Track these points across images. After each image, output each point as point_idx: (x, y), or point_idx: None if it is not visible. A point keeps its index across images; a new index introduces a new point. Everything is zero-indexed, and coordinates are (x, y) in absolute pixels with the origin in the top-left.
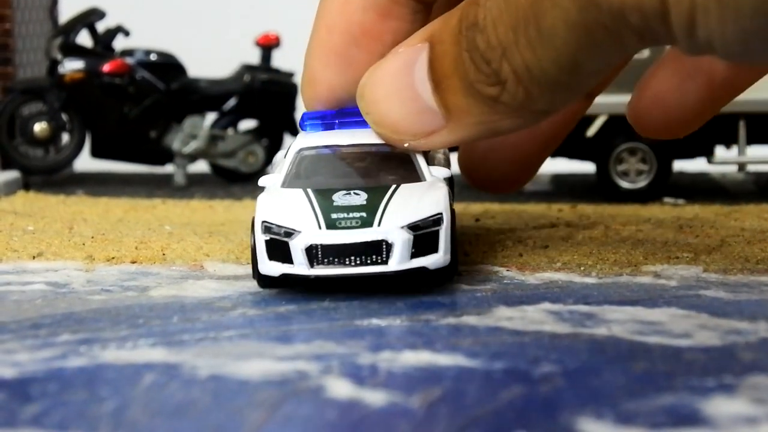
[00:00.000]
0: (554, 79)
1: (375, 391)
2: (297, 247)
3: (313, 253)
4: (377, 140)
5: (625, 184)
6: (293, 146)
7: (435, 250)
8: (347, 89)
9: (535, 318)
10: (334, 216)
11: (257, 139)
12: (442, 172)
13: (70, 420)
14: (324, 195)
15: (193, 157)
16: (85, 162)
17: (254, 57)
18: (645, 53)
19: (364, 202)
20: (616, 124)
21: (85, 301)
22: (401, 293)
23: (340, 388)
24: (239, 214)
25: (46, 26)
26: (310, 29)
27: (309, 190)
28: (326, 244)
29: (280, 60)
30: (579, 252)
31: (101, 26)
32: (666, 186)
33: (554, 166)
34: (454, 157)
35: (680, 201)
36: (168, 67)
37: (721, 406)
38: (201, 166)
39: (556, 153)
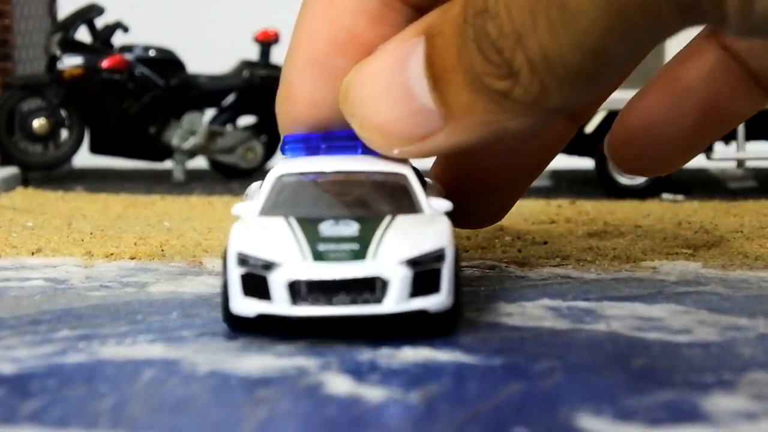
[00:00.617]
0: (576, 68)
1: (374, 387)
2: (277, 281)
3: (296, 290)
4: (369, 167)
5: (623, 180)
6: (272, 173)
7: (436, 290)
8: (330, 105)
9: (535, 314)
10: (321, 247)
11: (256, 135)
12: (442, 204)
13: (69, 416)
14: (309, 224)
15: (192, 153)
16: (84, 158)
17: (253, 53)
18: None
19: (356, 233)
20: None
21: (84, 297)
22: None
23: (339, 385)
24: None
25: (45, 22)
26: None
27: (291, 219)
28: (312, 280)
29: (279, 56)
30: (578, 248)
31: (100, 22)
32: (665, 182)
33: (553, 162)
34: None
35: (679, 197)
36: (167, 63)
37: (720, 402)
38: (200, 162)
39: None
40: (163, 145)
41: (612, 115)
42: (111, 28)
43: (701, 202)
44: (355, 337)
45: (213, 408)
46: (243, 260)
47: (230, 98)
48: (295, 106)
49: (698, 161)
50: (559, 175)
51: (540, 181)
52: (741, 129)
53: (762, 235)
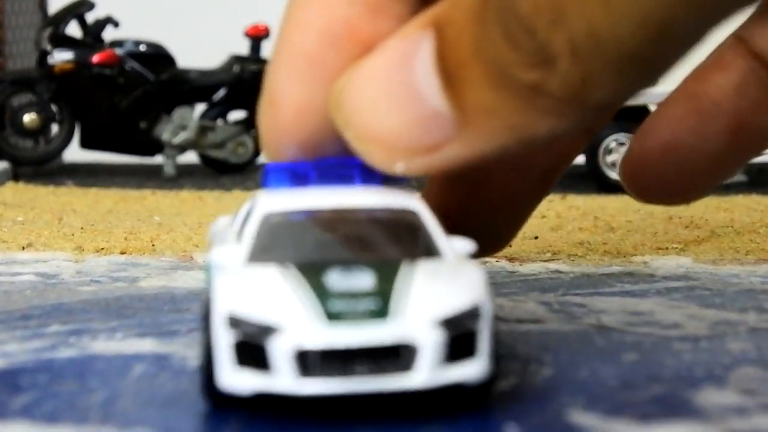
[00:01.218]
0: (631, 49)
1: None
2: (281, 350)
3: (306, 360)
4: (373, 201)
5: (614, 175)
6: (255, 210)
7: (472, 355)
8: (321, 112)
9: (525, 309)
10: (333, 305)
11: (247, 130)
12: (464, 245)
13: (60, 411)
14: (313, 274)
15: (182, 148)
16: (75, 153)
17: (244, 48)
18: None
19: (373, 286)
20: None
21: (75, 292)
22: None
23: None
24: (229, 206)
25: (35, 17)
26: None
27: (290, 267)
28: (327, 348)
29: (269, 51)
30: (569, 242)
31: (91, 17)
32: None
33: None
34: None
35: None
36: (157, 57)
37: (710, 397)
38: (190, 157)
39: None
40: (153, 140)
41: None
42: (101, 23)
43: None
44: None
45: (203, 402)
46: (235, 323)
47: (221, 93)
48: (280, 113)
49: None
50: None
51: None
52: None
53: (752, 230)
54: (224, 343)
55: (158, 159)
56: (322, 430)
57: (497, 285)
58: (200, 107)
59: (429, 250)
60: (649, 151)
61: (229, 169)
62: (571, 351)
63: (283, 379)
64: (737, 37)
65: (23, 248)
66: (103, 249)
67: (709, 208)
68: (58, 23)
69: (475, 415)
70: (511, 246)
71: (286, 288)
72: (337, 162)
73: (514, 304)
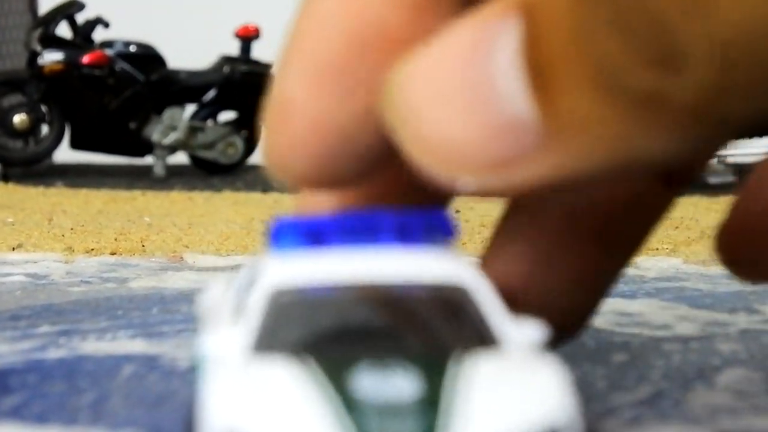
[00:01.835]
0: None
1: None
2: None
3: None
4: (413, 270)
5: None
6: (260, 281)
7: None
8: (347, 133)
9: None
10: (369, 424)
11: (237, 131)
12: (534, 331)
13: (49, 411)
14: (339, 375)
15: (172, 149)
16: (65, 153)
17: (234, 48)
18: None
19: (419, 393)
20: None
21: (65, 293)
22: None
23: None
24: (219, 206)
25: (25, 18)
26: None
27: (310, 365)
28: None
29: (259, 51)
30: None
31: (81, 18)
32: None
33: None
34: None
35: None
36: (147, 58)
37: (700, 398)
38: (180, 158)
39: None
40: (143, 141)
41: None
42: (91, 24)
43: (681, 197)
44: None
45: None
46: None
47: (211, 94)
48: (292, 125)
49: None
50: None
51: None
52: None
53: None
54: None
55: (148, 159)
56: None
57: None
58: (190, 108)
59: (484, 337)
60: (755, 218)
61: (219, 170)
62: (562, 352)
63: None
64: None
65: (13, 249)
66: (93, 250)
67: (699, 209)
68: (48, 24)
69: None
70: None
71: (305, 395)
72: (364, 216)
73: None
